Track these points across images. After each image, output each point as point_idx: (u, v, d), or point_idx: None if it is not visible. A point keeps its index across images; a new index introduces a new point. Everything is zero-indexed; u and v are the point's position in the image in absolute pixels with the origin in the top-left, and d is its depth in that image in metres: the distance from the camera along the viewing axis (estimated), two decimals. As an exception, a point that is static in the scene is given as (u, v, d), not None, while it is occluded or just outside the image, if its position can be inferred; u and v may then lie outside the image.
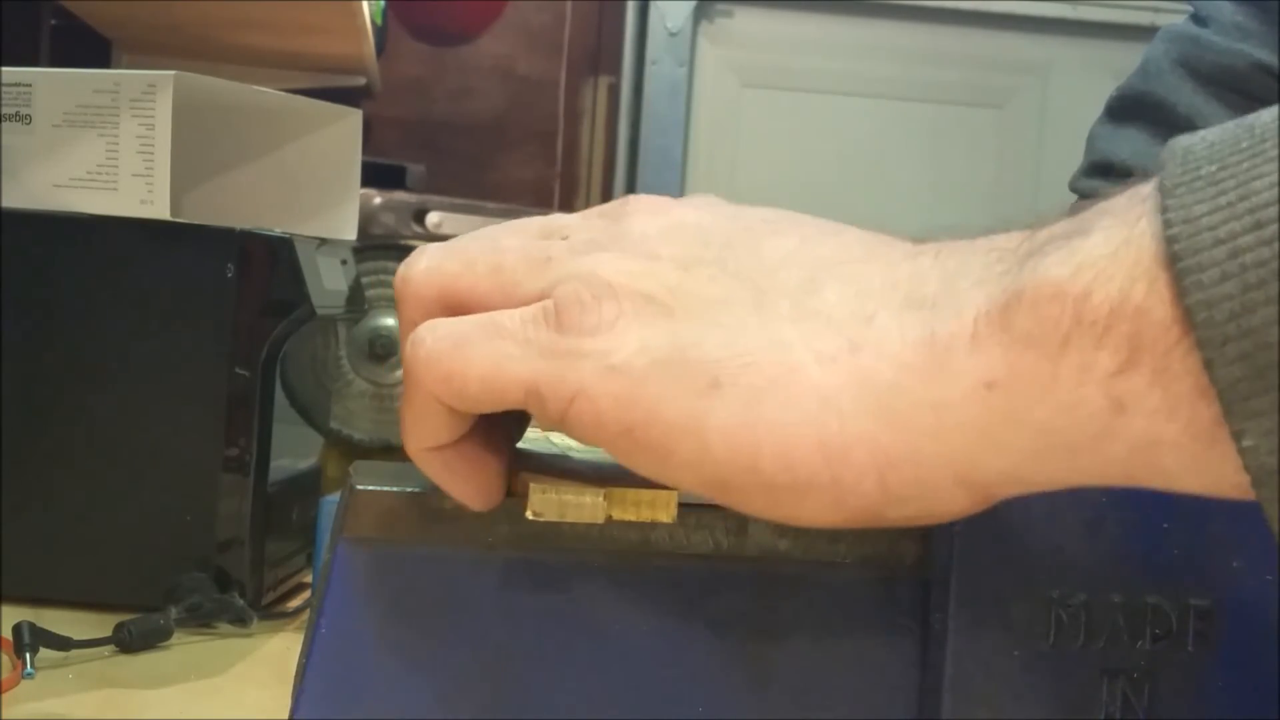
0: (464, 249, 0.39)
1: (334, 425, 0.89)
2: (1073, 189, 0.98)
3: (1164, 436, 0.29)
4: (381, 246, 0.90)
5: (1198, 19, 0.93)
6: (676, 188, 2.57)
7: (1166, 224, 0.28)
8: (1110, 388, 0.29)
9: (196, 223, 0.73)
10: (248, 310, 0.71)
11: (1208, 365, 0.28)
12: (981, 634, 0.46)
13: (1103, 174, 0.95)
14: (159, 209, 0.72)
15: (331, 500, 0.74)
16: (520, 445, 0.52)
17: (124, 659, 0.64)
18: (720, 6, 2.59)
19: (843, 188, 2.59)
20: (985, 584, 0.46)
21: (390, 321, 0.89)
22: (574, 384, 0.34)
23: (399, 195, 2.02)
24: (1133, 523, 0.46)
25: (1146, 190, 0.30)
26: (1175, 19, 0.96)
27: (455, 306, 0.38)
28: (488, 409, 0.37)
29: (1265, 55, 0.88)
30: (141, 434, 0.71)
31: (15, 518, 0.71)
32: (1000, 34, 2.60)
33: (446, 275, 0.38)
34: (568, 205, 2.64)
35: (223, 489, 0.71)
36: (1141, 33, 2.49)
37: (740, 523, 0.47)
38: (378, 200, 1.97)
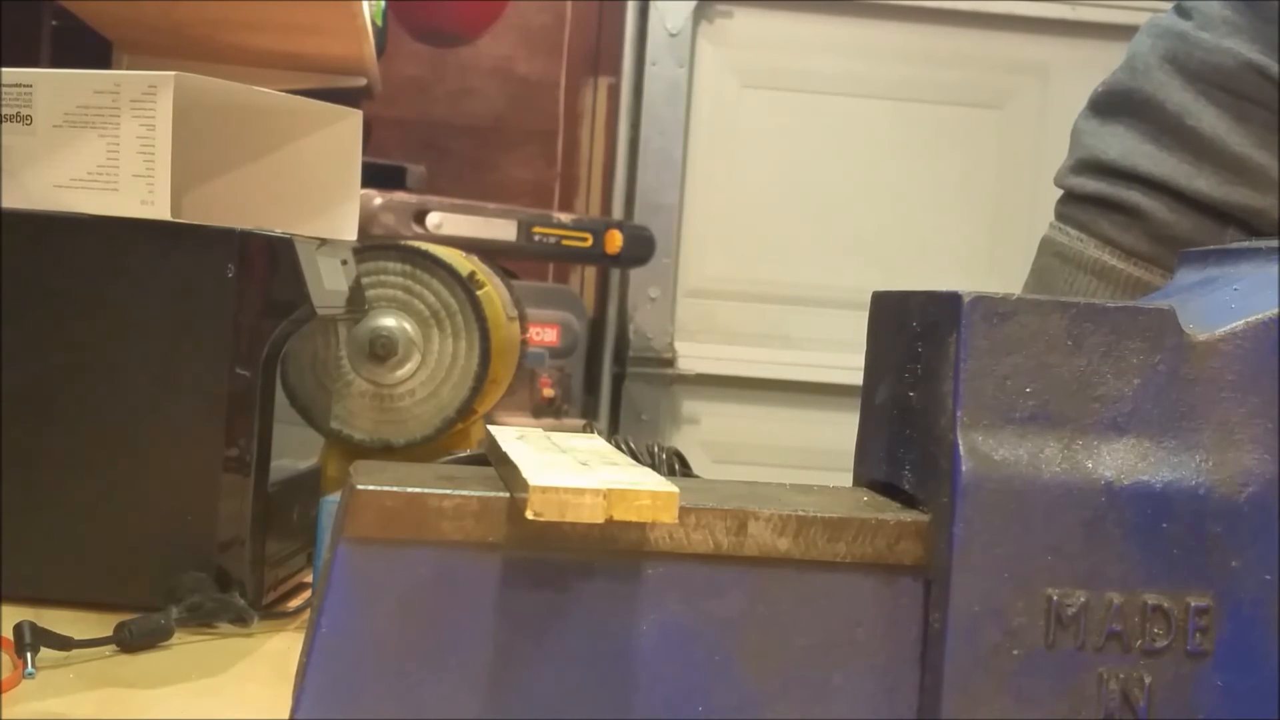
0: None
1: (334, 425, 0.89)
2: (1060, 185, 0.97)
3: None
4: (381, 246, 0.90)
5: (1182, 11, 0.91)
6: (676, 188, 2.57)
7: None
8: None
9: (196, 223, 0.73)
10: (248, 310, 0.71)
11: None
12: (981, 634, 0.46)
13: (1091, 171, 0.94)
14: (159, 209, 0.72)
15: (331, 500, 0.74)
16: (519, 445, 0.52)
17: (125, 659, 0.64)
18: (720, 7, 2.59)
19: (843, 188, 2.59)
20: (985, 584, 0.46)
21: (390, 321, 0.89)
22: None
23: (399, 195, 2.02)
24: (1132, 523, 0.46)
25: None
26: (1172, 19, 0.95)
27: None
28: None
29: (1254, 53, 0.87)
30: (142, 434, 0.71)
31: (15, 518, 0.71)
32: (1000, 34, 2.60)
33: None
34: (568, 205, 2.64)
35: (223, 489, 0.71)
36: (1141, 33, 2.48)
37: (740, 522, 0.47)
38: (378, 200, 1.97)
